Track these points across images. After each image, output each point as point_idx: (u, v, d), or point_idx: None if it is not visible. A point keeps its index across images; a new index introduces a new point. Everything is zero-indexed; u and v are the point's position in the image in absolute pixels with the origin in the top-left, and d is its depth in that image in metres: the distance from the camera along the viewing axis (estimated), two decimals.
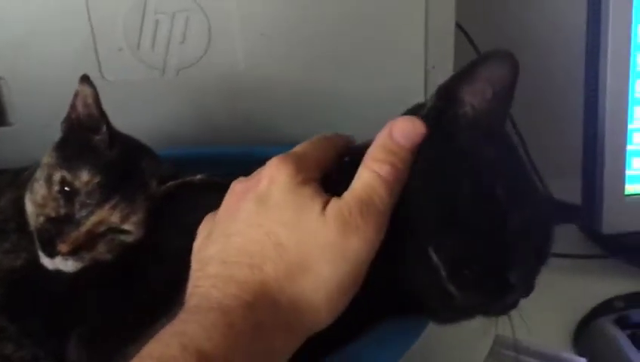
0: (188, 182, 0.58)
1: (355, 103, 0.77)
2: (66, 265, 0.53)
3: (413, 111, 0.45)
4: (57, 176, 0.55)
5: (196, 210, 0.49)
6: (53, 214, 0.54)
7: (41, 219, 0.54)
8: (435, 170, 0.41)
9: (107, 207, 0.54)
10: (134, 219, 0.55)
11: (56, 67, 0.73)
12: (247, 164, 0.48)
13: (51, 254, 0.53)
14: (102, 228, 0.54)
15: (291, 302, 0.38)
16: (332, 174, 0.43)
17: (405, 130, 0.41)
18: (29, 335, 0.51)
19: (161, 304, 0.46)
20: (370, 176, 0.40)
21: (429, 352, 0.50)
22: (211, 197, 0.52)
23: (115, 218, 0.54)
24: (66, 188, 0.54)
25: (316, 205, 0.39)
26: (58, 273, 0.54)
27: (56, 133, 0.60)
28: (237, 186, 0.45)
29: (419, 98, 0.81)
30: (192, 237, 0.47)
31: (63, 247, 0.52)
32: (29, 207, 0.56)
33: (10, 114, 0.76)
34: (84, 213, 0.53)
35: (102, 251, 0.54)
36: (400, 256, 0.40)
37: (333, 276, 0.38)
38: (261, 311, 0.37)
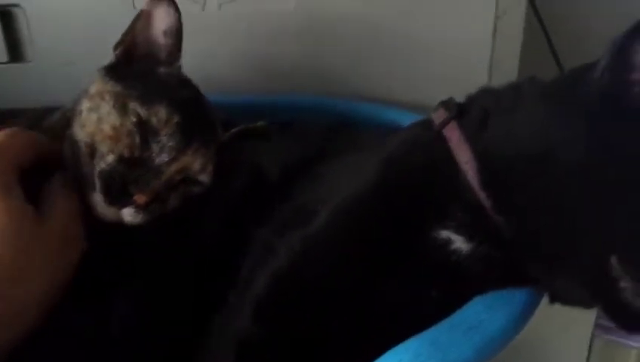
0: (250, 129, 0.54)
1: (417, 50, 0.69)
2: (134, 217, 0.46)
3: (579, 74, 0.40)
4: (132, 106, 0.48)
5: (259, 155, 0.52)
6: (126, 154, 0.47)
7: (111, 157, 0.46)
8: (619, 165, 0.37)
9: (190, 152, 0.48)
10: (210, 168, 0.50)
11: None
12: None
13: (122, 204, 0.46)
14: (179, 178, 0.48)
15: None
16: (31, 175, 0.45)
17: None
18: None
19: (220, 253, 0.47)
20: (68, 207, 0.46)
21: None
22: (271, 144, 0.54)
23: (196, 166, 0.48)
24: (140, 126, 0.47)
25: (31, 216, 0.42)
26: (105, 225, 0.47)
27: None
28: None
29: (486, 46, 0.73)
30: (253, 186, 0.50)
31: (140, 198, 0.45)
32: (82, 144, 0.48)
33: (26, 48, 0.69)
34: (165, 157, 0.47)
35: (172, 206, 0.48)
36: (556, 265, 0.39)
37: (52, 283, 0.42)
38: None
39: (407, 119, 0.57)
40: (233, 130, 0.54)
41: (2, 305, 0.39)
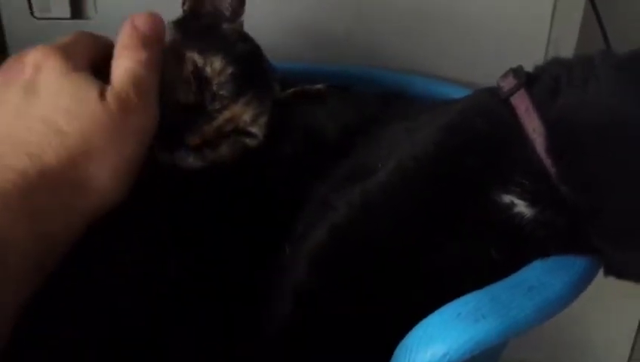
0: (308, 91, 0.56)
1: (472, 26, 0.69)
2: (186, 160, 0.48)
3: None
4: (189, 56, 0.50)
5: (316, 115, 0.52)
6: (182, 100, 0.49)
7: (168, 104, 0.48)
8: None
9: (241, 102, 0.50)
10: (262, 121, 0.52)
11: None
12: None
13: (174, 146, 0.48)
14: (230, 127, 0.50)
15: (75, 186, 0.39)
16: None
17: (148, 21, 0.47)
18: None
19: (278, 207, 0.47)
20: (129, 63, 0.44)
21: None
22: (329, 105, 0.54)
23: (246, 116, 0.50)
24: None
25: (93, 90, 0.41)
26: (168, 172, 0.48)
27: None
28: None
29: (544, 24, 0.72)
30: (311, 143, 0.50)
31: (192, 140, 0.48)
32: None
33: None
34: (217, 105, 0.49)
35: (224, 153, 0.51)
36: None
37: (119, 155, 0.41)
38: (39, 197, 0.38)
39: (460, 95, 0.56)
40: (291, 90, 0.56)
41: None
